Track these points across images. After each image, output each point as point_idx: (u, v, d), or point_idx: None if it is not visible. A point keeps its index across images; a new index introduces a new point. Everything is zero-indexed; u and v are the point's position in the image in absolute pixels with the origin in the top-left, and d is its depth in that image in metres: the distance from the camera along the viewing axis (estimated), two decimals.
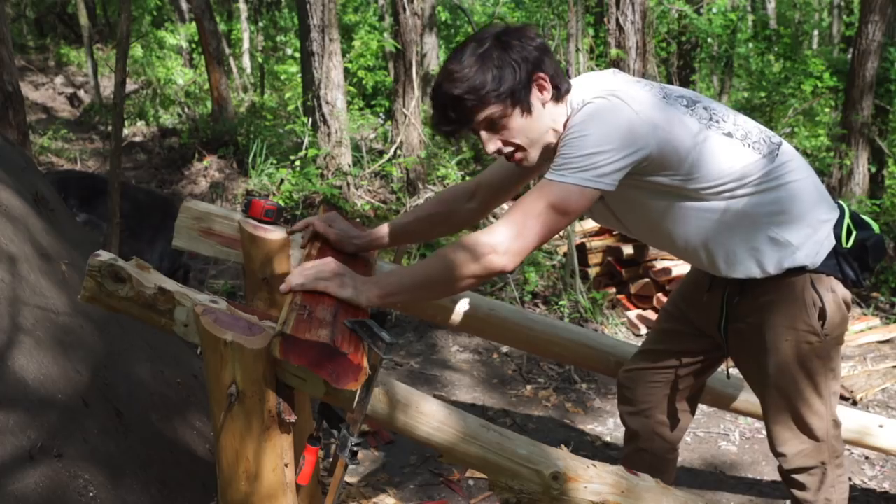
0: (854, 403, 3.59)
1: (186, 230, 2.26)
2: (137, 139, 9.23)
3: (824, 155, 8.23)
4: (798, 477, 1.93)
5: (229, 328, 1.31)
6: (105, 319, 2.45)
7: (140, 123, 9.97)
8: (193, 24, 10.64)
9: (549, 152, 1.70)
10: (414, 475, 2.95)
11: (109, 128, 8.62)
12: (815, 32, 15.64)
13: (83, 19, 12.00)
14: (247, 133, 8.10)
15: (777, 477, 2.99)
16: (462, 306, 2.38)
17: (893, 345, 4.13)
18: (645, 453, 2.12)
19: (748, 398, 2.48)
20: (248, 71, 13.53)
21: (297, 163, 6.61)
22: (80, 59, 13.21)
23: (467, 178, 6.65)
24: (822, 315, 1.77)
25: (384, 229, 1.99)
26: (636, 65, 6.13)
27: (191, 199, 2.38)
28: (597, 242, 4.90)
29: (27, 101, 7.89)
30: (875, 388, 3.71)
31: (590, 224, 4.91)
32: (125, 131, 8.76)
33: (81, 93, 11.95)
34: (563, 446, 1.64)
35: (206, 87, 9.88)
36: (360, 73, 7.80)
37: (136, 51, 12.67)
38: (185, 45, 13.57)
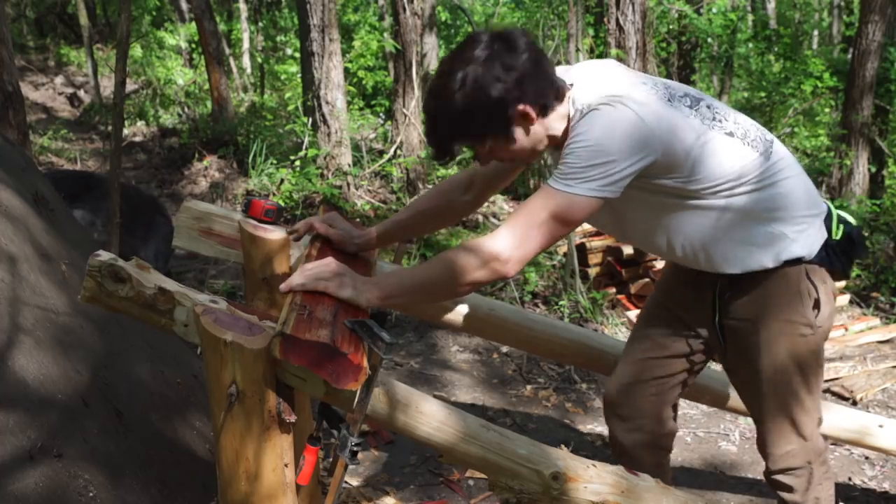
0: (854, 403, 3.59)
1: (186, 230, 2.26)
2: (137, 139, 9.24)
3: (824, 155, 8.23)
4: (786, 479, 1.93)
5: (229, 328, 1.31)
6: (105, 319, 2.45)
7: (140, 123, 9.97)
8: (193, 24, 10.64)
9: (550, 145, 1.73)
10: (414, 475, 2.95)
11: (109, 128, 8.63)
12: (815, 32, 15.64)
13: (83, 19, 12.00)
14: (247, 133, 8.10)
15: None
16: (462, 307, 2.38)
17: (893, 345, 4.13)
18: (639, 464, 2.09)
19: None
20: (248, 71, 13.53)
21: (297, 163, 6.61)
22: (80, 59, 13.22)
23: None
24: (817, 305, 1.80)
25: (384, 226, 1.99)
26: (636, 65, 6.13)
27: (191, 199, 2.38)
28: (597, 242, 4.90)
29: (27, 101, 7.90)
30: (875, 388, 3.71)
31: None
32: (125, 131, 8.76)
33: (81, 93, 11.95)
34: (563, 446, 1.64)
35: (206, 87, 9.88)
36: (360, 73, 7.81)
37: (136, 51, 12.67)
38: (185, 45, 13.57)
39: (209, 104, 9.61)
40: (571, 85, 1.69)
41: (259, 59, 13.28)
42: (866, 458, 3.10)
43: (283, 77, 12.37)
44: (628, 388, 2.06)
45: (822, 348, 1.87)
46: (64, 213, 3.00)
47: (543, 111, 1.65)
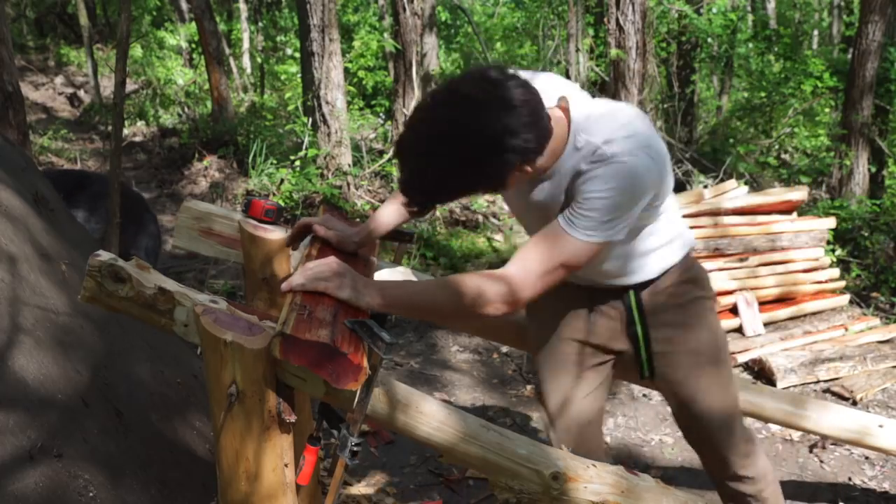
0: (854, 403, 3.59)
1: (186, 230, 2.26)
2: (137, 139, 9.24)
3: (824, 155, 8.22)
4: (750, 488, 1.97)
5: (229, 328, 1.31)
6: (105, 319, 2.45)
7: (140, 123, 9.98)
8: (193, 24, 10.64)
9: None
10: (414, 475, 2.96)
11: (109, 128, 8.63)
12: (815, 32, 15.64)
13: (83, 19, 12.00)
14: (247, 133, 8.10)
15: (777, 476, 2.99)
16: None
17: (893, 345, 4.13)
18: None
19: (748, 398, 2.48)
20: (248, 71, 13.53)
21: (297, 163, 6.61)
22: (80, 59, 13.22)
23: None
24: (708, 280, 1.93)
25: (379, 218, 1.94)
26: (636, 65, 6.13)
27: (191, 199, 2.38)
28: None
29: (27, 101, 7.90)
30: (875, 388, 3.71)
31: None
32: (125, 131, 8.76)
33: (81, 93, 11.95)
34: (563, 446, 1.64)
35: (206, 87, 9.88)
36: (360, 73, 7.81)
37: (136, 51, 12.68)
38: (185, 45, 13.57)
39: (209, 104, 9.62)
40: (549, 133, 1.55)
41: (259, 59, 13.29)
42: (866, 458, 3.10)
43: (283, 77, 12.38)
44: (578, 430, 1.98)
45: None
46: (64, 213, 3.01)
47: (536, 157, 1.54)
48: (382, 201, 6.73)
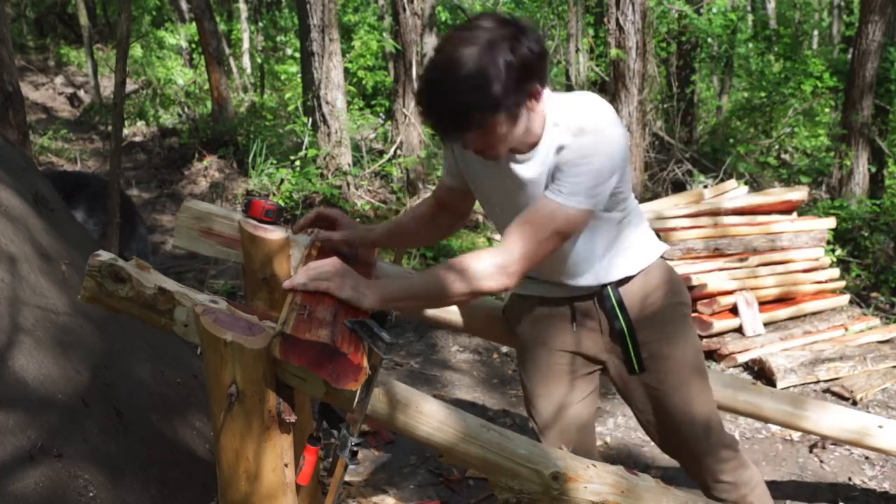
0: (854, 403, 3.59)
1: (186, 230, 2.26)
2: (137, 139, 9.24)
3: (824, 155, 8.23)
4: (733, 495, 1.97)
5: (229, 328, 1.31)
6: (105, 319, 2.45)
7: (140, 123, 9.97)
8: (193, 24, 10.64)
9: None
10: (414, 475, 2.96)
11: (109, 128, 8.63)
12: (815, 32, 15.64)
13: (83, 19, 12.00)
14: (247, 133, 8.10)
15: (777, 477, 2.99)
16: (462, 308, 2.38)
17: (893, 345, 4.13)
18: None
19: (748, 398, 2.48)
20: (248, 71, 13.53)
21: (297, 163, 6.61)
22: (80, 59, 13.22)
23: None
24: (676, 279, 1.95)
25: (376, 231, 1.97)
26: (636, 65, 6.13)
27: (191, 199, 2.38)
28: None
29: (27, 101, 7.90)
30: (875, 388, 3.71)
31: None
32: (125, 131, 8.76)
33: (81, 93, 11.95)
34: (562, 446, 1.64)
35: (206, 87, 9.88)
36: (360, 73, 7.81)
37: (136, 51, 12.67)
38: (185, 45, 13.57)
39: (209, 104, 9.62)
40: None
41: (259, 59, 13.29)
42: (866, 458, 3.10)
43: (283, 77, 12.37)
44: (577, 435, 2.01)
45: None
46: (64, 213, 3.01)
47: (539, 97, 1.62)
48: (383, 201, 6.74)
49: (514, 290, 1.95)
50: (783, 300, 4.40)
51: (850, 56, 7.46)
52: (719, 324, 4.08)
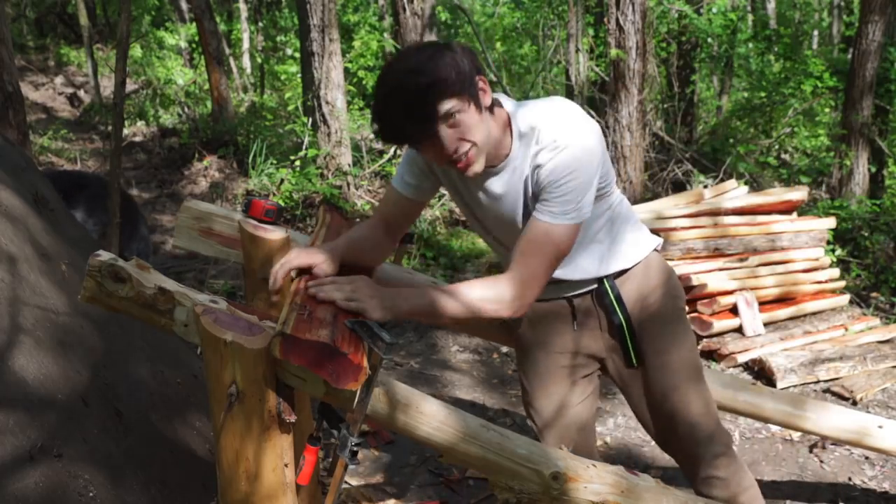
0: (854, 403, 3.59)
1: (187, 230, 2.26)
2: (137, 139, 9.23)
3: (824, 155, 8.23)
4: (724, 492, 1.95)
5: (229, 328, 1.31)
6: (105, 319, 2.45)
7: (140, 123, 9.97)
8: (193, 24, 10.64)
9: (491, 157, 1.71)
10: (414, 475, 2.96)
11: (109, 128, 8.63)
12: (815, 32, 15.64)
13: (83, 19, 12.00)
14: (247, 133, 8.10)
15: (777, 477, 3.00)
16: None
17: (893, 345, 4.13)
18: None
19: (748, 398, 2.48)
20: (248, 71, 13.53)
21: (297, 163, 6.61)
22: (80, 59, 13.21)
23: None
24: (674, 278, 1.98)
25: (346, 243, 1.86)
26: (636, 65, 6.13)
27: (191, 199, 2.38)
28: None
29: (27, 101, 7.90)
30: (875, 388, 3.71)
31: None
32: (125, 131, 8.76)
33: (81, 93, 11.95)
34: (562, 446, 1.64)
35: (206, 87, 9.88)
36: (360, 73, 7.81)
37: (136, 51, 12.67)
38: (185, 45, 13.57)
39: (209, 104, 9.61)
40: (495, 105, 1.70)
41: (259, 59, 13.28)
42: (866, 458, 3.10)
43: (283, 77, 12.36)
44: (577, 435, 2.03)
45: None
46: (64, 213, 3.01)
47: (489, 107, 1.66)
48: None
49: None
50: (783, 300, 4.40)
51: (850, 56, 7.45)
52: (719, 324, 4.09)
